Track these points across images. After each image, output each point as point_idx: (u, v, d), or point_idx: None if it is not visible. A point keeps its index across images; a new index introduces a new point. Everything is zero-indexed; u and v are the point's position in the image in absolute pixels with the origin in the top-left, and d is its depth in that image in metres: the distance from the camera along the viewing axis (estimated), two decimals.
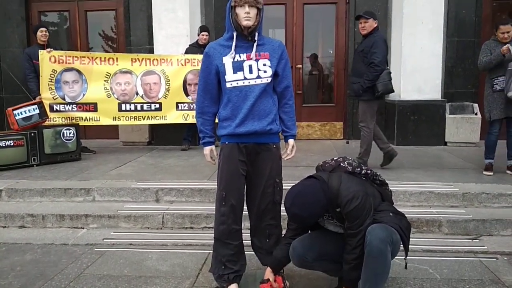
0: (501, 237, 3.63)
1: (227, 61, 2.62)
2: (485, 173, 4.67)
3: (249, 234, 2.87)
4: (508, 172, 4.65)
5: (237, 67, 2.60)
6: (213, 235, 2.76)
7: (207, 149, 2.81)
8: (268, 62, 2.63)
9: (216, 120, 2.76)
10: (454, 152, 6.13)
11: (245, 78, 2.60)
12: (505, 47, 4.39)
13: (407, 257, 2.50)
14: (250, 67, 2.61)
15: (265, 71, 2.61)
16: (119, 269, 3.15)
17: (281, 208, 2.77)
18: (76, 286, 2.90)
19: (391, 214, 2.38)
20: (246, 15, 2.53)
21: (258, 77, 2.61)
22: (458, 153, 6.04)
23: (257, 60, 2.61)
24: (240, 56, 2.61)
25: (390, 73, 4.75)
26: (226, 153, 2.69)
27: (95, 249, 3.52)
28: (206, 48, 2.75)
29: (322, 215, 2.46)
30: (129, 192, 4.30)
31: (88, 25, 7.88)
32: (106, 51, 7.75)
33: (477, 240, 3.57)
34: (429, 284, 2.87)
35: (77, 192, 4.33)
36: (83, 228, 3.95)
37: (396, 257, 2.83)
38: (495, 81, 4.53)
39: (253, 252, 2.89)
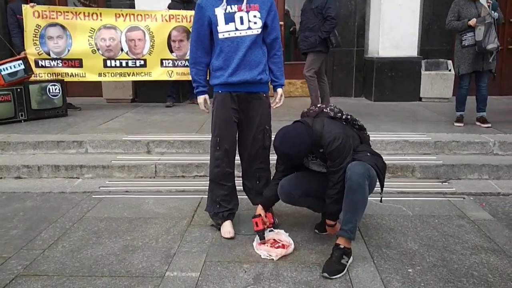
0: (468, 180, 3.98)
1: (219, 12, 2.76)
2: (456, 124, 5.00)
3: (241, 178, 3.12)
4: (477, 123, 4.98)
5: (229, 18, 2.75)
6: (208, 177, 3.00)
7: (201, 98, 2.99)
8: (258, 14, 2.78)
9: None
10: (429, 106, 6.45)
11: (236, 29, 2.76)
12: (472, 22, 4.62)
13: (383, 193, 2.79)
14: (241, 18, 2.76)
15: (255, 23, 2.77)
16: (119, 212, 3.38)
17: (270, 153, 3.01)
18: (80, 227, 3.12)
19: (368, 154, 2.64)
20: None
21: (249, 28, 2.76)
22: (432, 107, 6.36)
23: (247, 12, 2.76)
24: (231, 8, 2.75)
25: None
26: (220, 101, 2.88)
27: (93, 196, 3.73)
28: (199, 0, 2.86)
29: (307, 155, 2.70)
30: (121, 144, 4.46)
31: None
32: (85, 5, 7.63)
33: (447, 183, 3.92)
34: (402, 219, 3.20)
35: (69, 144, 4.47)
36: (79, 178, 4.13)
37: (372, 198, 3.17)
38: (464, 37, 4.78)
39: (245, 194, 3.15)
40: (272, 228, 2.83)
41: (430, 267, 2.52)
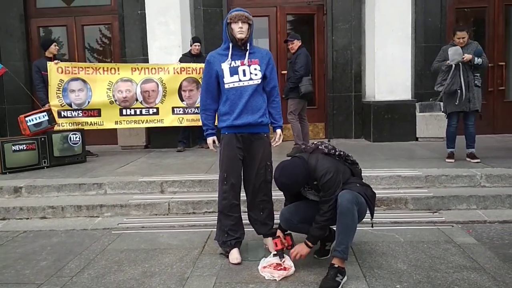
0: (457, 210, 4.29)
1: (225, 66, 3.24)
2: (447, 160, 5.36)
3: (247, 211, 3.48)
4: (467, 159, 5.33)
5: (233, 71, 3.23)
6: (218, 209, 3.37)
7: (210, 139, 3.41)
8: (258, 67, 3.26)
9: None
10: (424, 146, 6.83)
11: (240, 80, 3.23)
12: (447, 62, 5.10)
13: (373, 219, 3.12)
14: (244, 71, 3.24)
15: (256, 74, 3.25)
16: (136, 245, 3.72)
17: (272, 187, 3.39)
18: (103, 257, 3.46)
19: (357, 184, 3.02)
20: (239, 29, 3.17)
21: (251, 79, 3.23)
22: (427, 146, 6.74)
23: (249, 66, 3.25)
24: (235, 63, 3.24)
25: (310, 79, 6.16)
26: (226, 141, 3.30)
27: (113, 232, 4.09)
28: (208, 57, 3.36)
29: (303, 185, 3.07)
30: (137, 185, 4.86)
31: (84, 38, 8.44)
32: (102, 62, 8.30)
33: (437, 213, 4.24)
34: (394, 245, 3.51)
35: (90, 186, 4.88)
36: (99, 217, 4.50)
37: (368, 228, 3.51)
38: (443, 82, 5.21)
39: (251, 226, 3.49)
40: (283, 259, 3.12)
41: (416, 283, 2.82)
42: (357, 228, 2.95)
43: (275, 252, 3.14)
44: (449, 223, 4.00)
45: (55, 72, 6.28)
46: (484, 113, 7.58)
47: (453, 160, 5.33)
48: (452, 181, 4.64)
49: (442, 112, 5.52)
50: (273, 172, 3.10)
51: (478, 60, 5.08)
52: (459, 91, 5.05)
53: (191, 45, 7.01)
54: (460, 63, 5.04)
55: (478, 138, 5.57)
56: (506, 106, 8.06)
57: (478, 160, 5.19)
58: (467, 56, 5.03)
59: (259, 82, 3.26)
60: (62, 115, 6.39)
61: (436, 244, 3.49)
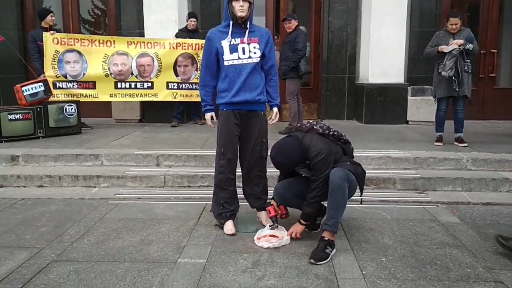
0: (443, 191, 4.47)
1: (225, 44, 3.30)
2: (436, 143, 5.52)
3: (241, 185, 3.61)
4: (455, 143, 5.49)
5: (233, 49, 3.30)
6: (214, 182, 3.49)
7: (208, 115, 3.50)
8: (257, 46, 3.33)
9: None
10: (414, 129, 6.99)
11: (239, 58, 3.30)
12: (441, 48, 5.22)
13: (362, 195, 3.28)
14: (243, 49, 3.30)
15: (255, 53, 3.32)
16: (134, 214, 3.85)
17: (267, 163, 3.51)
18: (101, 225, 3.58)
19: (348, 163, 3.15)
20: (240, 8, 3.22)
21: (250, 57, 3.31)
22: (417, 130, 6.90)
23: (248, 44, 3.31)
24: (235, 40, 3.30)
25: (307, 58, 6.39)
26: (224, 118, 3.40)
27: (110, 202, 4.19)
28: (208, 33, 3.41)
29: (298, 164, 3.19)
30: (133, 158, 4.96)
31: (80, 10, 8.36)
32: (97, 35, 8.25)
33: (423, 194, 4.41)
34: (381, 222, 3.68)
35: (87, 157, 4.96)
36: (95, 187, 4.60)
37: (357, 206, 3.66)
38: (440, 65, 5.35)
39: (245, 200, 3.63)
40: (276, 224, 3.29)
41: (401, 257, 2.99)
42: (347, 205, 3.10)
43: (270, 224, 3.28)
44: (435, 203, 4.18)
45: (51, 42, 6.26)
46: (474, 99, 7.75)
47: (441, 144, 5.50)
48: (439, 164, 4.81)
49: (432, 96, 5.64)
50: (269, 150, 3.21)
51: (469, 46, 5.19)
52: (454, 78, 5.17)
53: (187, 20, 7.00)
54: (460, 52, 5.14)
55: (467, 123, 5.74)
56: (496, 93, 8.23)
57: (466, 145, 5.36)
58: (458, 41, 5.15)
59: (258, 60, 3.33)
60: (57, 86, 6.41)
61: (421, 222, 3.66)
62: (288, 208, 3.39)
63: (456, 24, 5.30)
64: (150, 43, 6.70)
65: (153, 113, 7.56)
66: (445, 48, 5.21)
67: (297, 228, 3.20)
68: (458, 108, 5.44)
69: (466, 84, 5.29)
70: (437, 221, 3.71)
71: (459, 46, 5.15)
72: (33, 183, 4.63)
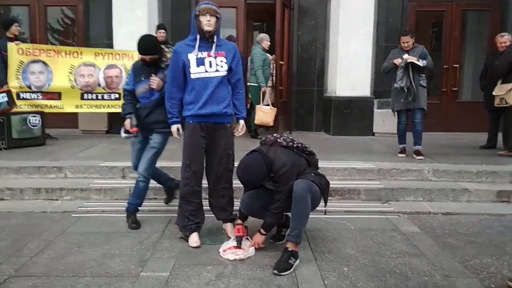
0: (405, 202, 4.59)
1: (192, 57, 3.33)
2: (399, 155, 5.67)
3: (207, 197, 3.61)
4: (414, 155, 5.62)
5: (200, 62, 3.33)
6: (179, 194, 3.48)
7: (174, 127, 3.51)
8: (224, 59, 3.37)
9: None
10: (380, 140, 7.16)
11: (206, 71, 3.33)
12: (396, 60, 5.42)
13: (326, 206, 3.33)
14: (210, 62, 3.34)
15: (222, 66, 3.35)
16: (97, 228, 3.78)
17: (233, 175, 3.52)
18: (62, 239, 3.51)
19: (312, 174, 3.21)
20: (207, 22, 3.26)
21: (217, 70, 3.34)
22: (383, 141, 7.06)
23: (215, 58, 3.35)
24: (202, 54, 3.33)
25: None
26: (190, 130, 3.41)
27: (72, 215, 4.11)
28: (175, 46, 3.43)
29: (264, 178, 3.23)
30: (98, 170, 4.88)
31: (47, 19, 8.23)
32: (65, 45, 8.13)
33: (386, 204, 4.52)
34: (345, 232, 3.74)
35: (49, 170, 4.85)
36: (58, 200, 4.49)
37: (322, 216, 3.71)
38: (396, 79, 5.52)
39: (210, 211, 3.62)
40: (247, 237, 3.31)
41: (362, 266, 3.05)
42: (312, 216, 3.15)
43: (234, 238, 3.29)
44: (397, 213, 4.28)
45: (16, 53, 6.13)
46: (437, 112, 8.06)
47: (404, 155, 5.65)
48: (402, 175, 4.94)
49: (391, 110, 5.81)
50: (236, 167, 3.23)
51: (423, 62, 5.39)
52: (406, 89, 5.35)
53: (156, 32, 6.98)
54: (407, 65, 5.33)
55: (430, 135, 5.92)
56: (458, 106, 8.52)
57: (422, 157, 5.48)
58: (409, 57, 5.35)
59: (225, 74, 3.37)
60: (21, 97, 6.25)
61: (383, 232, 3.75)
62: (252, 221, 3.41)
63: (407, 42, 5.53)
64: (119, 54, 6.65)
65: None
66: (398, 62, 5.41)
67: (258, 238, 3.22)
68: (416, 121, 5.60)
69: (422, 97, 5.48)
70: (399, 230, 3.81)
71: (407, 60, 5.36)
72: None
